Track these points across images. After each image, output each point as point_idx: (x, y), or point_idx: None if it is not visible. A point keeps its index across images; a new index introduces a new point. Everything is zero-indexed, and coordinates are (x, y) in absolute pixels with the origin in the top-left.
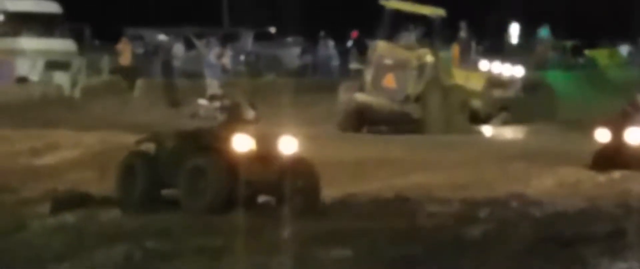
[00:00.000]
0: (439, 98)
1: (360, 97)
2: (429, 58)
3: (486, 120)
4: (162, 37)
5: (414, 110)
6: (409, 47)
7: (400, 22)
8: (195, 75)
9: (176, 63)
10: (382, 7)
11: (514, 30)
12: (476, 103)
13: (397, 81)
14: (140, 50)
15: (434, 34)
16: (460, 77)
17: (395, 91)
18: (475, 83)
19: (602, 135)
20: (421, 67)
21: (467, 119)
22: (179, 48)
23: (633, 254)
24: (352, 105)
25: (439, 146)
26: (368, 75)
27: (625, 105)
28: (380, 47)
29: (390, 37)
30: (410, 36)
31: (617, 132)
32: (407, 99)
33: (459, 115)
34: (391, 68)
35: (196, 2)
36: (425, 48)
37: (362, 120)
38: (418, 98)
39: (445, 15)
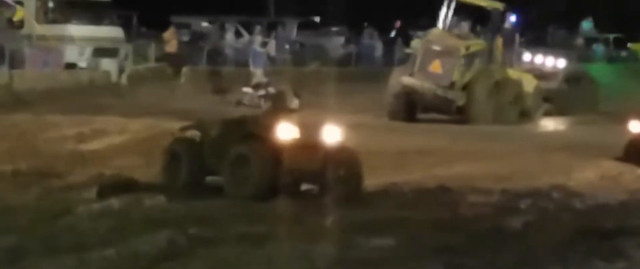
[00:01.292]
0: (487, 89)
1: (406, 80)
2: (480, 48)
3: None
4: (207, 26)
5: (458, 97)
6: (461, 36)
7: (458, 12)
8: (241, 64)
9: (228, 52)
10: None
11: (587, 25)
12: (528, 102)
13: (443, 67)
14: (186, 38)
15: (491, 26)
16: (513, 76)
17: (441, 76)
18: (527, 85)
19: (635, 127)
20: (470, 56)
21: (517, 113)
22: (230, 37)
23: None
24: (397, 89)
25: (481, 137)
26: (417, 61)
27: None
28: (432, 34)
29: (445, 26)
30: (463, 26)
31: None
32: (452, 86)
33: (511, 108)
34: (438, 54)
35: None
36: (478, 39)
37: (411, 109)
38: (465, 87)
39: (503, 8)
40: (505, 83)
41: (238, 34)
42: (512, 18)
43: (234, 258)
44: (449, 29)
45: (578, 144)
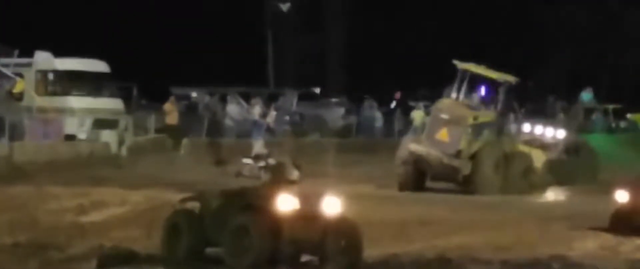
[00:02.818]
0: (495, 160)
1: (413, 146)
2: (489, 119)
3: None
4: (207, 97)
5: (464, 166)
6: (470, 107)
7: (470, 83)
8: (241, 135)
9: (229, 123)
10: (454, 68)
11: (587, 96)
12: (537, 177)
13: (450, 135)
14: (184, 110)
15: (501, 98)
16: (523, 149)
17: (448, 145)
18: (537, 159)
19: (621, 196)
20: (478, 126)
21: (525, 187)
22: (233, 109)
23: None
24: (405, 155)
25: (481, 207)
26: (430, 127)
27: None
28: (441, 103)
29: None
30: (474, 97)
31: (636, 193)
32: (458, 154)
33: (519, 181)
34: (446, 122)
35: (242, 62)
36: (488, 111)
37: (420, 178)
38: (473, 157)
39: (514, 82)
40: (515, 156)
41: (239, 105)
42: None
43: None
44: (459, 100)
45: (577, 214)
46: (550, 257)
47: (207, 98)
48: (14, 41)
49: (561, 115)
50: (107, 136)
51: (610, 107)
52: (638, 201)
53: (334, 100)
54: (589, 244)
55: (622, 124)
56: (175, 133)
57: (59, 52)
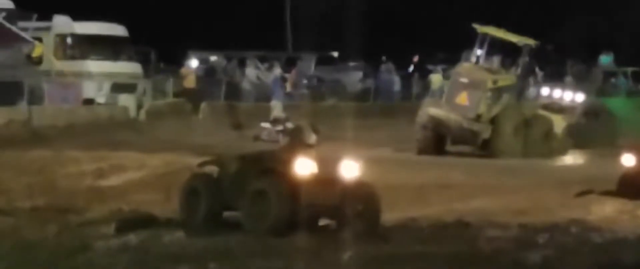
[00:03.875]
0: (514, 124)
1: (433, 110)
2: (509, 83)
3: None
4: (225, 61)
5: (483, 129)
6: (490, 70)
7: (490, 47)
8: (260, 99)
9: (246, 87)
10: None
11: (606, 59)
12: (556, 143)
13: (469, 99)
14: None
15: (522, 62)
16: (544, 115)
17: (467, 108)
18: (558, 125)
19: (628, 160)
20: (497, 90)
21: (545, 151)
22: (251, 73)
23: None
24: (424, 119)
25: (500, 172)
26: (449, 92)
27: None
28: (461, 66)
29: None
30: (494, 60)
31: None
32: (478, 118)
33: (539, 145)
34: (466, 86)
35: (260, 26)
36: (508, 74)
37: (440, 142)
38: (493, 120)
39: (534, 45)
40: (535, 121)
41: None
42: None
43: None
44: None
45: (596, 178)
46: (568, 221)
47: (224, 62)
48: (33, 5)
49: (569, 78)
50: (126, 100)
51: (629, 69)
52: None
53: (351, 63)
54: (608, 208)
55: None
56: (193, 97)
57: (77, 17)
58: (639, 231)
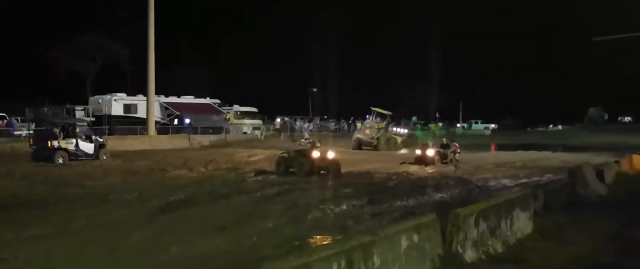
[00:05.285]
0: (385, 139)
1: (357, 135)
2: (383, 126)
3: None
4: (287, 118)
5: (374, 142)
6: (376, 122)
7: (376, 114)
8: (299, 133)
9: (296, 128)
10: (370, 109)
11: (415, 118)
12: (399, 146)
13: (369, 132)
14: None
15: (387, 120)
16: (394, 136)
17: (368, 135)
18: (399, 139)
19: (418, 151)
20: (378, 129)
21: (396, 147)
22: (299, 123)
23: None
24: (355, 138)
25: (379, 156)
26: (363, 129)
27: None
28: (367, 121)
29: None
30: (376, 119)
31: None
32: (372, 138)
33: (393, 146)
34: (368, 127)
35: (301, 103)
36: (382, 124)
37: (360, 146)
38: (377, 139)
39: (391, 113)
40: (391, 138)
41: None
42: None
43: (299, 195)
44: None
45: (409, 157)
46: (403, 172)
47: (287, 119)
48: (225, 100)
49: (402, 124)
50: (256, 132)
51: (423, 121)
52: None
53: (331, 119)
54: (412, 168)
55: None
56: (278, 132)
57: (241, 103)
58: (425, 175)
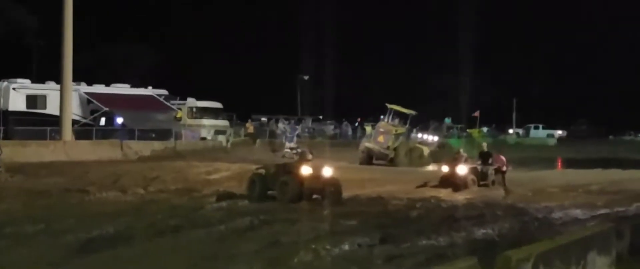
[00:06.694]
0: (405, 150)
1: (367, 144)
2: (402, 131)
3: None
4: (266, 119)
5: (390, 153)
6: (394, 125)
7: (393, 114)
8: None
9: (278, 132)
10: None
11: (448, 120)
12: (424, 159)
13: (383, 139)
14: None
15: (409, 121)
16: (419, 146)
17: (382, 144)
18: (425, 151)
19: (444, 168)
20: (396, 135)
21: (419, 164)
22: (281, 125)
23: None
24: (362, 148)
25: (397, 174)
26: (374, 136)
27: None
28: (380, 123)
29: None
30: (396, 120)
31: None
32: (387, 148)
33: (416, 161)
34: (381, 133)
35: (285, 101)
36: (402, 127)
37: (370, 158)
38: (395, 149)
39: (415, 113)
40: (415, 149)
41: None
42: None
43: (281, 229)
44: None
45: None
46: (430, 196)
47: (266, 120)
48: (176, 91)
49: (431, 129)
50: (221, 138)
51: (459, 126)
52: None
53: (328, 121)
54: (442, 192)
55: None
56: (253, 137)
57: (199, 97)
58: (462, 202)
